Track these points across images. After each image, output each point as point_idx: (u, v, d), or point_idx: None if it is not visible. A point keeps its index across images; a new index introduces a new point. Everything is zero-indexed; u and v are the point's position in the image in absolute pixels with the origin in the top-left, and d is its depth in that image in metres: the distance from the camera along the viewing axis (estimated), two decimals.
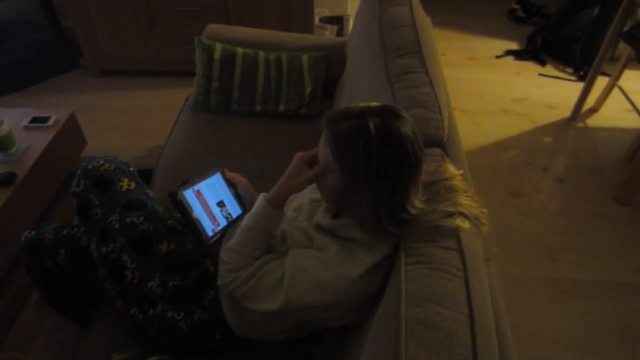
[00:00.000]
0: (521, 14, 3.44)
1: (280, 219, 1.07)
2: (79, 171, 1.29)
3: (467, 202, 0.97)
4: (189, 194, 1.15)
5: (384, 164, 0.86)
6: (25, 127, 1.95)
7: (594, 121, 2.64)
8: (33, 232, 1.28)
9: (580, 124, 2.61)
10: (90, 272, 1.23)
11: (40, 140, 1.88)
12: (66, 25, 2.87)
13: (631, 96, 2.55)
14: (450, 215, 0.93)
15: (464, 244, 0.88)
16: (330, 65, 1.87)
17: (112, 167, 1.28)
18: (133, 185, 1.28)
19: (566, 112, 2.65)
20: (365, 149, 0.86)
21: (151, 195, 1.31)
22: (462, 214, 0.94)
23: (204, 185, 1.19)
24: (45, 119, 1.97)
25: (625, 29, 2.31)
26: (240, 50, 1.81)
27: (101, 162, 1.28)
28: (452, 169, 1.05)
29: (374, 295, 0.97)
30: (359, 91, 1.52)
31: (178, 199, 1.12)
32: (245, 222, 1.06)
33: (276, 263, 1.02)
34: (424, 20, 1.57)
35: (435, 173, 1.02)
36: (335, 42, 1.94)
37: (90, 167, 1.27)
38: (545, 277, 1.84)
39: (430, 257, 0.85)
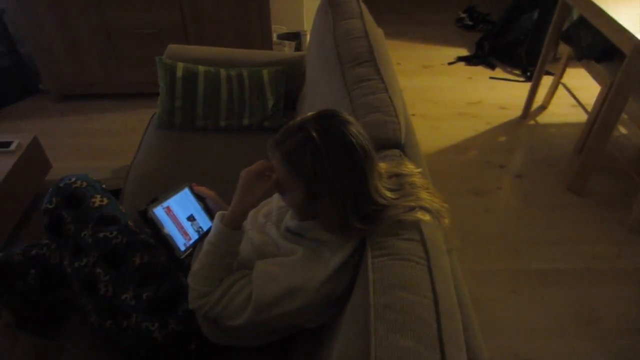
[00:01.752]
0: (468, 22, 3.62)
1: (240, 238, 1.06)
2: (50, 189, 1.30)
3: (428, 196, 1.03)
4: (158, 211, 1.17)
5: (335, 163, 0.92)
6: None
7: (543, 118, 2.79)
8: (1, 254, 1.27)
9: (532, 122, 2.77)
10: (61, 289, 1.24)
11: (2, 165, 1.86)
12: (24, 52, 2.84)
13: (575, 92, 2.72)
14: (412, 209, 0.99)
15: (425, 236, 0.93)
16: (290, 79, 1.93)
17: (84, 184, 1.30)
18: (105, 201, 1.30)
19: (517, 112, 2.80)
20: (314, 156, 0.92)
21: (123, 211, 1.33)
22: (423, 208, 1.00)
23: (173, 201, 1.22)
24: (7, 144, 1.95)
25: (564, 29, 2.47)
26: (201, 68, 1.85)
27: (73, 179, 1.30)
28: (411, 167, 1.11)
29: (344, 293, 1.00)
30: (320, 102, 1.58)
31: (148, 216, 1.14)
32: (205, 246, 1.06)
33: (244, 281, 1.04)
34: (375, 31, 1.65)
35: (397, 169, 1.08)
36: (294, 57, 2.01)
37: (62, 184, 1.29)
38: (509, 268, 1.93)
39: (394, 249, 0.90)
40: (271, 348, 1.19)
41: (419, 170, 1.11)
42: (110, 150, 2.50)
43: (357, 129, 0.96)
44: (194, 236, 1.21)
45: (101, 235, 1.20)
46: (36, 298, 1.26)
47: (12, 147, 1.95)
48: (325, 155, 0.91)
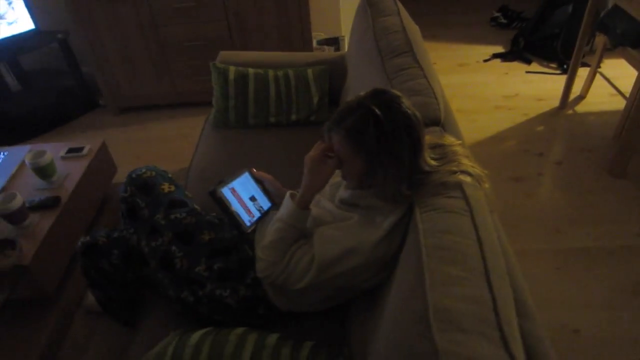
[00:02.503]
0: (503, 20, 3.68)
1: (307, 217, 1.18)
2: (125, 180, 1.47)
3: (469, 163, 1.13)
4: (225, 191, 1.29)
5: (396, 134, 1.02)
6: (63, 157, 2.14)
7: (582, 107, 2.82)
8: (88, 237, 1.43)
9: (570, 112, 2.80)
10: (140, 268, 1.37)
11: (77, 168, 2.07)
12: (85, 71, 3.12)
13: (614, 81, 2.73)
14: (454, 173, 1.09)
15: (467, 193, 1.03)
16: (333, 77, 2.07)
17: (153, 173, 1.47)
18: (173, 187, 1.46)
19: (555, 102, 2.84)
20: (377, 129, 1.01)
21: (189, 196, 1.49)
22: (465, 172, 1.10)
23: (237, 183, 1.34)
24: (79, 149, 2.17)
25: (598, 19, 2.51)
26: (251, 70, 2.02)
27: (143, 170, 1.47)
28: (452, 139, 1.21)
29: (395, 255, 1.09)
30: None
31: (217, 196, 1.26)
32: (276, 224, 1.17)
33: (306, 247, 1.15)
34: (412, 26, 1.77)
35: (439, 140, 1.19)
36: (335, 56, 2.15)
37: (134, 175, 1.46)
38: (551, 248, 1.97)
39: (439, 204, 1.01)
40: (329, 314, 1.29)
41: (459, 141, 1.21)
42: (166, 155, 2.70)
43: (408, 102, 1.06)
44: (257, 214, 1.32)
45: (173, 217, 1.36)
46: (118, 277, 1.40)
47: (85, 151, 2.16)
48: (387, 128, 1.01)
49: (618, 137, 2.51)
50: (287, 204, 1.17)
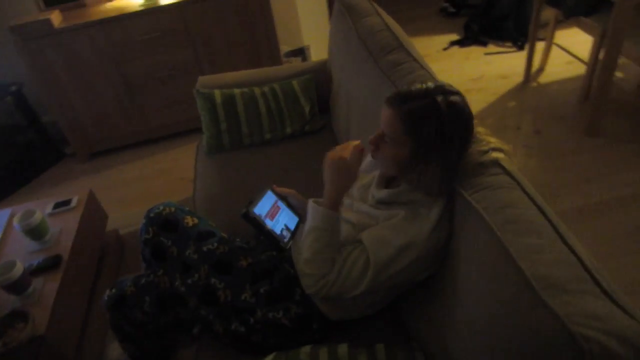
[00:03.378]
0: (452, 10, 3.84)
1: (338, 219, 1.16)
2: (143, 222, 1.42)
3: (495, 140, 1.17)
4: (257, 211, 1.28)
5: (453, 138, 1.03)
6: (50, 214, 2.03)
7: (544, 79, 2.98)
8: (113, 290, 1.36)
9: (534, 84, 2.95)
10: (177, 310, 1.31)
11: (69, 222, 1.96)
12: (47, 120, 2.98)
13: (569, 49, 2.90)
14: (486, 152, 1.12)
15: (507, 168, 1.07)
16: (318, 84, 2.08)
17: (173, 209, 1.41)
18: (196, 220, 1.41)
19: (519, 78, 2.99)
20: (437, 124, 1.02)
21: (214, 225, 1.45)
22: (495, 149, 1.14)
23: (263, 202, 1.31)
24: (67, 202, 2.06)
25: None
26: (237, 90, 2.00)
27: (161, 208, 1.41)
28: None
29: (447, 241, 1.10)
30: (357, 94, 1.73)
31: (251, 216, 1.21)
32: (313, 233, 1.14)
33: (356, 252, 1.12)
34: (393, 23, 1.81)
35: None
36: (317, 64, 2.17)
37: (152, 215, 1.40)
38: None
39: (487, 184, 1.03)
40: (377, 315, 1.28)
41: (477, 121, 1.25)
42: (152, 193, 2.62)
43: (468, 105, 1.07)
44: (290, 229, 1.31)
45: (205, 249, 1.32)
46: (153, 325, 1.33)
47: (73, 203, 2.06)
48: (446, 129, 1.02)
49: (583, 100, 2.67)
50: (316, 210, 1.15)
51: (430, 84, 1.08)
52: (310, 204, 1.18)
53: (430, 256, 1.10)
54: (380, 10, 1.86)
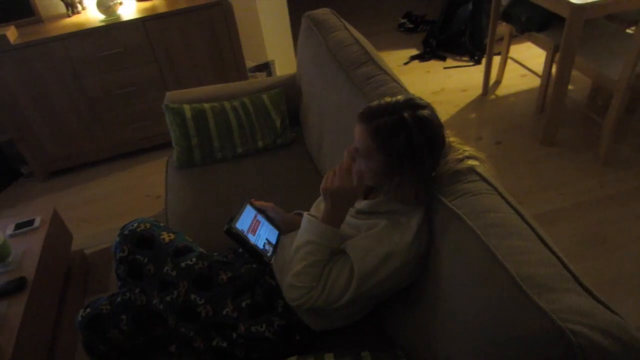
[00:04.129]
0: (410, 25, 3.96)
1: (339, 235, 1.15)
2: (117, 240, 1.38)
3: (470, 148, 1.22)
4: (239, 226, 1.25)
5: (422, 149, 1.06)
6: (12, 235, 1.94)
7: (501, 91, 3.11)
8: (88, 309, 1.32)
9: (492, 96, 3.07)
10: (154, 328, 1.29)
11: (33, 243, 1.88)
12: (1, 139, 2.85)
13: (524, 63, 3.06)
14: (462, 160, 1.17)
15: (483, 175, 1.12)
16: (288, 98, 2.09)
17: (148, 225, 1.38)
18: (173, 235, 1.38)
19: (477, 91, 3.11)
20: (406, 139, 1.04)
21: (191, 240, 1.43)
22: (470, 157, 1.18)
23: (244, 217, 1.30)
24: (30, 222, 1.97)
25: (502, 11, 2.80)
26: (207, 105, 1.99)
27: (135, 224, 1.37)
28: (446, 131, 1.30)
29: (428, 248, 1.13)
30: (329, 107, 1.76)
31: (234, 232, 1.19)
32: (309, 246, 1.12)
33: (339, 263, 1.12)
34: (361, 37, 1.86)
35: None
36: (285, 78, 2.18)
37: (126, 232, 1.36)
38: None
39: (465, 190, 1.08)
40: (366, 323, 1.29)
41: (452, 132, 1.30)
42: (115, 211, 2.55)
43: (437, 117, 1.10)
44: (272, 242, 1.30)
45: (183, 265, 1.29)
46: (130, 344, 1.30)
47: (36, 223, 1.97)
48: (416, 143, 1.04)
49: (539, 111, 2.81)
50: (315, 226, 1.13)
51: (400, 98, 1.10)
52: (308, 217, 1.17)
53: (412, 263, 1.12)
54: (348, 25, 1.90)
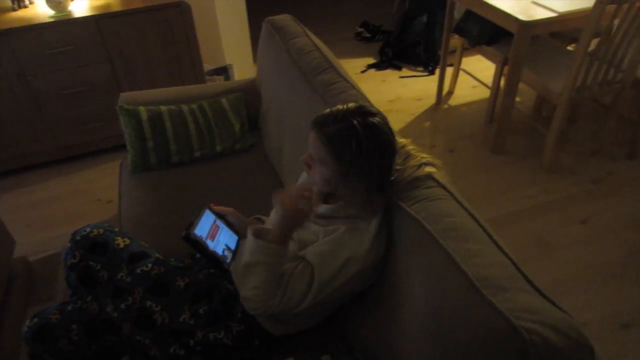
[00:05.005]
0: (367, 35, 4.04)
1: (287, 250, 1.15)
2: (68, 245, 1.32)
3: (425, 155, 1.26)
4: (198, 232, 1.23)
5: (373, 154, 1.08)
6: None
7: (454, 101, 3.23)
8: (35, 319, 1.26)
9: (445, 106, 3.19)
10: (107, 338, 1.25)
11: None
12: None
13: (475, 75, 3.19)
14: (419, 167, 1.21)
15: (440, 181, 1.16)
16: (247, 103, 2.08)
17: (101, 231, 1.32)
18: (128, 240, 1.34)
19: (432, 100, 3.22)
20: (356, 146, 1.07)
21: (146, 245, 1.39)
22: (426, 164, 1.23)
23: (203, 222, 1.28)
24: None
25: (454, 25, 2.92)
26: (163, 107, 1.95)
27: (88, 229, 1.32)
28: (403, 139, 1.34)
29: (385, 254, 1.15)
30: (291, 113, 1.76)
31: (193, 238, 1.18)
32: (261, 266, 1.11)
33: (299, 269, 1.12)
34: (322, 44, 1.89)
35: None
36: (245, 82, 2.17)
37: (78, 238, 1.30)
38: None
39: (423, 196, 1.11)
40: (326, 326, 1.30)
41: (409, 140, 1.34)
42: (64, 216, 2.43)
43: (387, 124, 1.13)
44: (230, 248, 1.29)
45: (139, 271, 1.26)
46: (81, 354, 1.25)
47: None
48: (365, 149, 1.07)
49: (489, 121, 2.94)
50: (260, 245, 1.12)
51: (351, 105, 1.12)
52: (252, 239, 1.14)
53: (371, 267, 1.15)
54: (308, 31, 1.92)
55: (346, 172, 1.11)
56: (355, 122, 1.08)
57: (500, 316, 0.75)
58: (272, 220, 1.35)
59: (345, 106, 1.12)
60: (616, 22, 2.14)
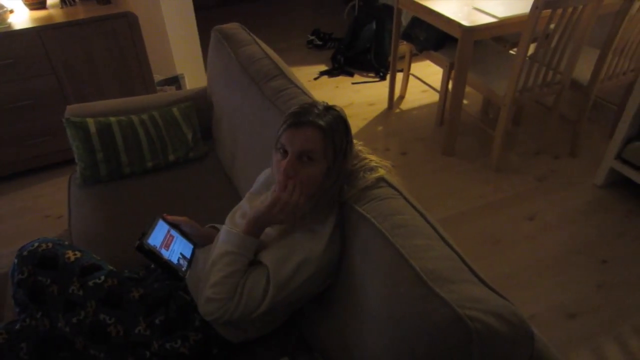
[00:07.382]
0: (318, 42, 4.10)
1: (256, 246, 1.16)
2: (15, 262, 1.27)
3: (376, 158, 1.30)
4: (152, 242, 1.21)
5: (350, 142, 1.17)
6: None
7: (405, 105, 3.32)
8: None
9: (397, 110, 3.27)
10: (59, 354, 1.22)
11: None
12: None
13: (424, 80, 3.28)
14: (371, 170, 1.24)
15: (390, 182, 1.20)
16: (199, 111, 2.07)
17: (50, 245, 1.28)
18: (79, 254, 1.30)
19: (384, 105, 3.29)
20: (345, 132, 1.15)
21: (98, 258, 1.36)
22: (376, 166, 1.26)
23: (156, 232, 1.27)
24: None
25: (402, 31, 3.00)
26: (113, 119, 1.91)
27: (36, 244, 1.28)
28: (354, 141, 1.37)
29: (340, 254, 1.18)
30: (243, 119, 1.77)
31: (146, 248, 1.16)
32: (227, 257, 1.12)
33: (255, 273, 1.13)
34: (271, 52, 1.90)
35: None
36: (196, 91, 2.16)
37: (25, 253, 1.26)
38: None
39: (374, 196, 1.14)
40: (283, 330, 1.31)
41: (360, 142, 1.38)
42: (10, 234, 2.33)
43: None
44: (186, 257, 1.28)
45: (91, 284, 1.23)
46: None
47: None
48: (349, 135, 1.16)
49: (439, 124, 3.03)
50: (234, 236, 1.14)
51: (318, 101, 1.18)
52: (226, 229, 1.17)
53: (326, 268, 1.16)
54: (257, 39, 1.94)
55: (338, 161, 1.14)
56: (337, 109, 1.15)
57: (445, 306, 0.79)
58: (245, 211, 1.33)
59: (310, 103, 1.17)
60: (552, 26, 2.27)
